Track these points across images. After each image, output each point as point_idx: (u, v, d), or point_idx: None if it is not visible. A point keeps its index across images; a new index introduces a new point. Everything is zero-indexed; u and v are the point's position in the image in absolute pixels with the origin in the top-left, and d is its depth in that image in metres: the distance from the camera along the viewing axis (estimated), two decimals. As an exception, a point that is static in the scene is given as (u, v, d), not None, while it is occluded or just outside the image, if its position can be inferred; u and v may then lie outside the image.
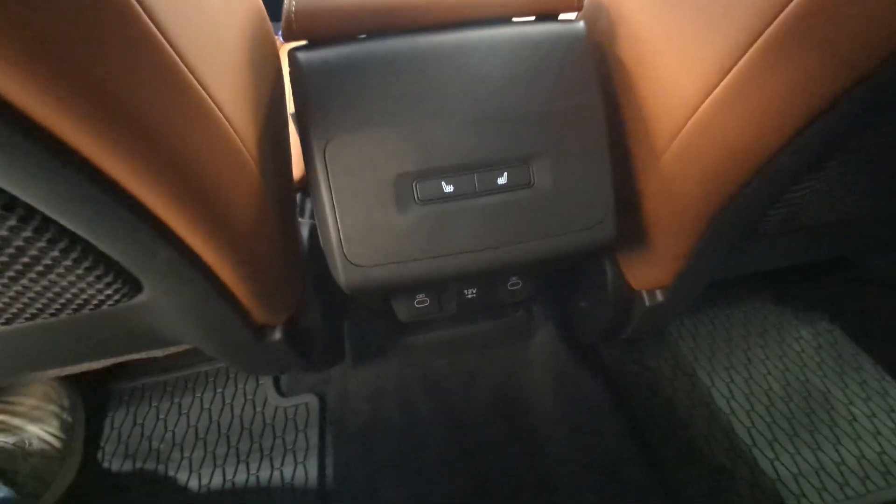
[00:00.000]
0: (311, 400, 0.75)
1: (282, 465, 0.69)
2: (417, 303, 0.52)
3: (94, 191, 0.24)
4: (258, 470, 0.68)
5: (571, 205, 0.39)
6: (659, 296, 0.55)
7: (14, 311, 0.35)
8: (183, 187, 0.31)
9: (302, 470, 0.68)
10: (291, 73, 0.39)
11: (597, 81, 0.40)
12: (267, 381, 0.78)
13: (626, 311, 0.59)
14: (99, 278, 0.34)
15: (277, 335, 0.49)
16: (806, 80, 0.32)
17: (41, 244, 0.27)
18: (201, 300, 0.40)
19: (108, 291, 0.36)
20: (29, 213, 0.25)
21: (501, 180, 0.37)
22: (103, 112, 0.24)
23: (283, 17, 0.39)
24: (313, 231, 0.57)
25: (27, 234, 0.26)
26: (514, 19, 0.41)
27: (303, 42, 0.40)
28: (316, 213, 0.39)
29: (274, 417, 0.74)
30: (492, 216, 0.38)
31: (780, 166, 0.38)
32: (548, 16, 0.42)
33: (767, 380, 0.78)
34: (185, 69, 0.27)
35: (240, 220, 0.38)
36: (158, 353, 0.69)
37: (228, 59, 0.35)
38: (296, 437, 0.72)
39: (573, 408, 0.66)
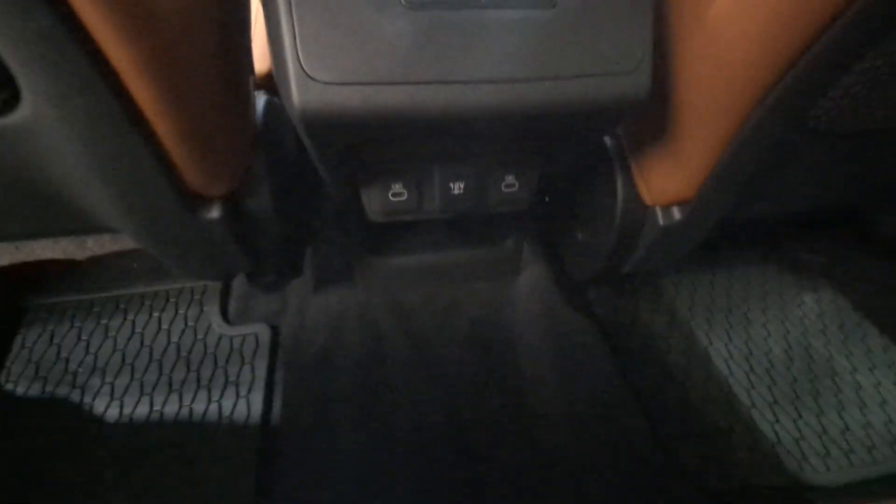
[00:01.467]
0: (262, 330, 0.66)
1: (221, 397, 0.59)
2: (393, 194, 0.43)
3: None
4: (192, 401, 0.58)
5: (601, 39, 0.30)
6: (676, 213, 0.47)
7: None
8: None
9: (244, 404, 0.58)
10: None
11: None
12: (213, 307, 0.68)
13: (634, 235, 0.51)
14: None
15: (215, 212, 0.40)
16: None
17: None
18: (105, 127, 0.30)
19: None
20: None
21: (517, -10, 0.29)
22: None
23: None
24: (269, 106, 0.47)
25: None
26: None
27: None
28: (267, 21, 0.29)
29: (217, 346, 0.64)
30: (502, 37, 0.29)
31: (845, 30, 0.30)
32: None
33: (768, 342, 0.71)
34: None
35: (172, 21, 0.28)
36: (77, 254, 0.58)
37: None
38: (241, 368, 0.62)
39: (561, 350, 0.58)
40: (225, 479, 0.52)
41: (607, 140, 0.50)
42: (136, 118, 0.31)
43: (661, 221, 0.48)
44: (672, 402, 0.61)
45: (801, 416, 0.62)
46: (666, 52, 0.37)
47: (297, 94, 0.28)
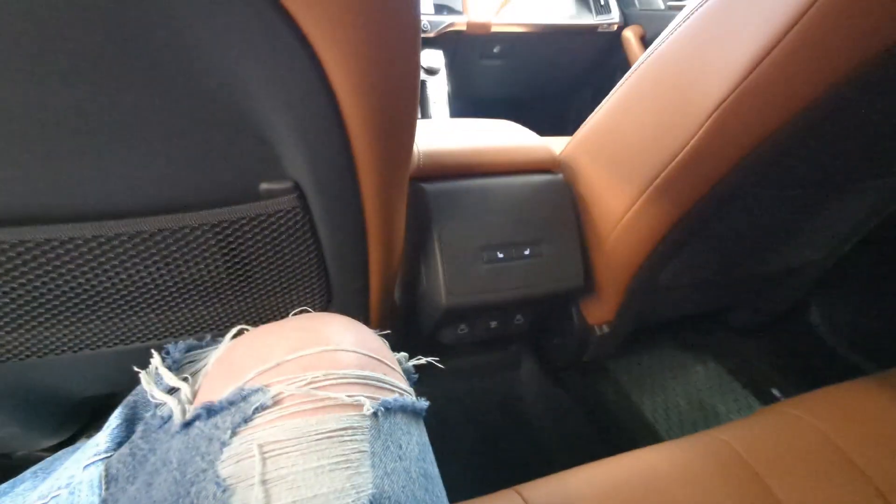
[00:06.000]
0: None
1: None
2: (459, 330, 0.83)
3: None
4: None
5: (560, 266, 0.74)
6: (606, 328, 0.90)
7: None
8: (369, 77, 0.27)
9: None
10: (415, 194, 0.73)
11: (570, 204, 0.77)
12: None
13: (585, 341, 0.93)
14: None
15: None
16: (668, 216, 0.71)
17: None
18: (345, 215, 0.36)
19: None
20: None
21: (526, 252, 0.72)
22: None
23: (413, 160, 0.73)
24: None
25: None
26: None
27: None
28: (426, 268, 0.70)
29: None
30: (521, 270, 0.72)
31: (661, 251, 0.76)
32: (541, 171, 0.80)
33: (677, 399, 1.13)
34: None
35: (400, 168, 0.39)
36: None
37: None
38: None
39: (556, 413, 0.96)
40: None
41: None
42: (360, 231, 0.39)
43: (598, 333, 0.90)
44: (615, 441, 1.00)
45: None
46: (589, 257, 0.82)
47: (444, 300, 0.69)
